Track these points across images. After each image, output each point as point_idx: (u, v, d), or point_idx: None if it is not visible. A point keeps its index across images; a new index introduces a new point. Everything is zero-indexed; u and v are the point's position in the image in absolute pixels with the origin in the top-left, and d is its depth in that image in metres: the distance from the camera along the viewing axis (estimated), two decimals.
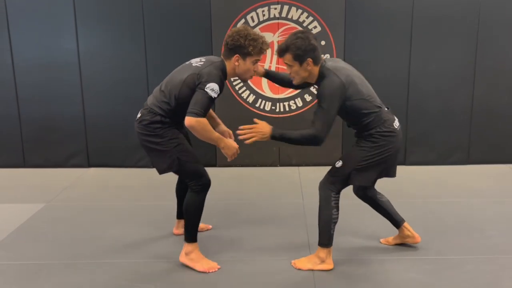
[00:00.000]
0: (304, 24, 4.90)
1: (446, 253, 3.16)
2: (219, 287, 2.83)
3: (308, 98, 5.04)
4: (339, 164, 2.87)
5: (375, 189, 3.15)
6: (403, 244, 3.25)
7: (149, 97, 3.06)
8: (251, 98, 5.06)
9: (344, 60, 4.92)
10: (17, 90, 5.12)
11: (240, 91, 5.05)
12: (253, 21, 4.91)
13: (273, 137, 2.74)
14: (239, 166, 5.14)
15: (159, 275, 2.97)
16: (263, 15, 4.90)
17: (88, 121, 5.18)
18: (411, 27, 4.94)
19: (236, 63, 2.88)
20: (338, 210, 2.89)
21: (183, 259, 3.03)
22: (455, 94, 5.08)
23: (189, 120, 2.72)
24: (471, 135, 5.17)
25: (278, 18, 4.92)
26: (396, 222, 3.17)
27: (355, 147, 2.88)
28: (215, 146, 5.16)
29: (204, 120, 2.75)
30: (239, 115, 4.96)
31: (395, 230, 3.25)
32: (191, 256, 3.00)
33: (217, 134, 2.88)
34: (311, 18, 4.90)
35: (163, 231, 3.60)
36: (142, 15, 4.93)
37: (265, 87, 5.04)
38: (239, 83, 5.03)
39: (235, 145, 2.91)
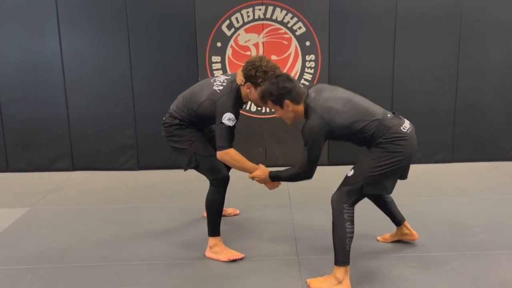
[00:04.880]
0: (289, 25, 4.92)
1: (431, 250, 3.19)
2: None
3: None
4: (350, 173, 2.76)
5: None
6: (392, 242, 3.28)
7: (174, 102, 3.27)
8: None
9: (329, 61, 5.00)
10: None
11: None
12: (237, 22, 4.91)
13: (271, 178, 2.93)
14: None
15: (145, 278, 2.95)
16: (248, 16, 4.91)
17: (72, 124, 5.13)
18: (394, 27, 4.98)
19: (248, 91, 2.99)
20: (352, 224, 2.70)
21: (208, 254, 3.16)
22: (438, 93, 5.14)
23: (220, 155, 2.97)
24: (455, 133, 5.23)
25: (262, 19, 4.92)
26: (398, 221, 3.18)
27: (367, 154, 2.76)
28: None
29: (231, 152, 2.95)
30: None
31: (387, 226, 3.27)
32: (215, 249, 3.14)
33: (250, 164, 3.00)
34: (295, 19, 4.92)
35: (149, 233, 3.58)
36: (126, 16, 4.90)
37: None
38: None
39: (264, 174, 2.96)
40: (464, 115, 5.19)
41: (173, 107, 3.23)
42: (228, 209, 3.85)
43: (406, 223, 3.21)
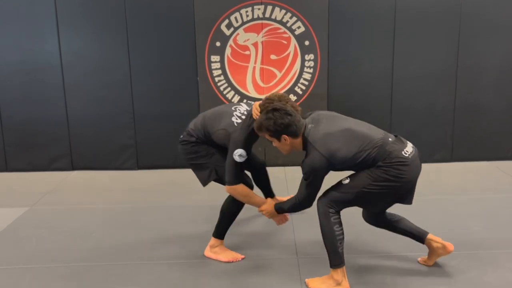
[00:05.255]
0: (288, 25, 4.91)
1: None
2: None
3: (292, 98, 5.04)
4: (346, 181, 2.69)
5: (385, 213, 2.95)
6: (392, 242, 3.27)
7: (193, 120, 3.27)
8: (236, 99, 5.05)
9: (328, 60, 5.00)
10: None
11: (224, 92, 5.04)
12: (237, 21, 4.91)
13: (276, 211, 2.93)
14: None
15: (144, 277, 2.94)
16: (247, 16, 4.90)
17: (71, 124, 5.12)
18: (393, 27, 4.98)
19: None
20: (340, 225, 2.68)
21: (207, 253, 3.19)
22: (438, 93, 5.14)
23: (228, 190, 3.01)
24: (454, 133, 5.23)
25: (262, 19, 4.92)
26: (419, 238, 2.94)
27: (367, 170, 2.66)
28: None
29: (238, 188, 2.97)
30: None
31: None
32: (215, 249, 3.17)
33: (258, 198, 3.03)
34: (294, 18, 4.91)
35: (148, 233, 3.58)
36: (125, 17, 4.89)
37: (250, 87, 5.04)
38: (222, 79, 5.02)
39: (270, 208, 2.97)
40: (463, 115, 5.19)
41: (191, 125, 3.22)
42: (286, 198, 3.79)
43: (430, 236, 2.93)
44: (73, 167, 5.23)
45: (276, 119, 2.61)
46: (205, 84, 5.03)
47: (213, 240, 3.18)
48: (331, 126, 2.67)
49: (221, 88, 5.04)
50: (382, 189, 2.63)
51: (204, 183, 3.21)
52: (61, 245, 3.41)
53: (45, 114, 5.10)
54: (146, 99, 5.09)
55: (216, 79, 5.03)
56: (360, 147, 2.60)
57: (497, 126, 5.23)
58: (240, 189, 2.98)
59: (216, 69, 5.01)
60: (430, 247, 2.94)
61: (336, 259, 2.69)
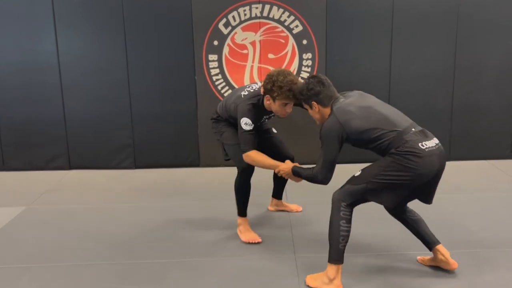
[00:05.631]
0: (286, 24, 4.91)
1: None
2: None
3: None
4: (357, 173, 2.73)
5: (406, 207, 2.95)
6: (391, 241, 3.27)
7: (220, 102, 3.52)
8: None
9: (326, 59, 4.99)
10: None
11: (222, 91, 5.04)
12: (234, 20, 4.90)
13: (293, 172, 2.98)
14: (222, 166, 5.12)
15: (142, 276, 2.94)
16: (245, 15, 4.90)
17: (68, 123, 5.11)
18: (391, 26, 4.98)
19: (267, 102, 3.11)
20: (348, 223, 2.67)
21: (238, 231, 3.46)
22: (435, 92, 5.14)
23: (243, 157, 3.15)
24: (452, 132, 5.23)
25: (259, 18, 4.91)
26: (428, 243, 2.91)
27: (378, 161, 2.70)
28: (197, 146, 5.16)
29: (251, 154, 3.11)
30: None
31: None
32: (240, 228, 3.44)
33: (270, 161, 3.12)
34: (292, 17, 4.91)
35: (146, 232, 3.57)
36: (123, 16, 4.88)
37: (246, 83, 5.01)
38: (219, 78, 5.01)
39: (288, 168, 3.03)
40: (461, 114, 5.19)
41: (219, 104, 3.47)
42: (291, 205, 3.96)
43: (439, 247, 2.88)
44: (70, 167, 5.21)
45: (309, 84, 2.78)
46: (203, 83, 5.03)
47: (237, 219, 3.47)
48: (357, 101, 2.75)
49: (219, 87, 5.04)
50: (392, 180, 2.61)
51: (224, 157, 3.45)
52: (58, 245, 3.39)
53: (43, 114, 5.08)
54: (143, 98, 5.08)
55: (214, 78, 5.02)
56: (377, 125, 2.64)
57: (495, 126, 5.23)
58: (253, 155, 3.11)
59: (214, 68, 5.00)
60: (435, 257, 2.92)
61: (334, 254, 2.69)
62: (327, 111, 2.77)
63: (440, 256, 2.88)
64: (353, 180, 2.74)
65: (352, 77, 5.04)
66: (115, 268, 3.04)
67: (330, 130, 2.67)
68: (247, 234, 3.38)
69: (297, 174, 2.96)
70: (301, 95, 2.84)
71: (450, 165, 5.10)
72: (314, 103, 2.78)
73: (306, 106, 2.87)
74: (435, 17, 4.96)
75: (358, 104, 2.72)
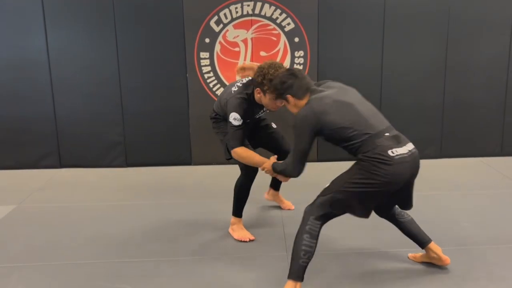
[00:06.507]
0: (278, 21, 4.90)
1: None
2: None
3: None
4: (327, 185, 2.63)
5: (394, 210, 2.89)
6: (381, 238, 3.28)
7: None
8: None
9: (318, 57, 4.99)
10: None
11: (214, 88, 5.02)
12: (226, 18, 4.89)
13: (273, 170, 2.92)
14: (214, 164, 5.11)
15: (134, 275, 2.92)
16: (236, 12, 4.88)
17: (59, 121, 5.07)
18: (383, 24, 4.99)
19: (258, 95, 3.08)
20: (313, 238, 2.52)
21: (230, 230, 3.48)
22: (427, 90, 5.16)
23: (231, 153, 3.14)
24: (443, 129, 5.26)
25: (251, 15, 4.90)
26: (421, 243, 2.90)
27: (347, 169, 2.61)
28: (189, 144, 5.14)
29: (238, 150, 3.09)
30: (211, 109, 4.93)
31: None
32: (233, 227, 3.45)
33: (258, 159, 3.08)
34: (284, 15, 4.90)
35: (137, 231, 3.56)
36: (113, 12, 4.85)
37: None
38: (211, 76, 5.00)
39: (270, 164, 2.99)
40: (452, 111, 5.22)
41: (215, 103, 3.45)
42: (286, 202, 3.95)
43: (432, 245, 2.88)
44: (61, 165, 5.18)
45: (282, 78, 2.74)
46: (195, 80, 5.01)
47: (231, 218, 3.47)
48: (337, 94, 2.64)
49: (211, 85, 5.02)
50: (358, 188, 2.50)
51: (225, 157, 3.36)
52: (50, 243, 3.37)
53: (33, 111, 5.04)
54: (135, 96, 5.06)
55: (206, 75, 5.00)
56: (351, 124, 2.51)
57: (485, 122, 5.26)
58: (239, 151, 3.09)
59: (206, 65, 4.98)
60: (427, 254, 2.92)
61: (294, 270, 2.55)
62: (303, 103, 2.67)
63: (432, 254, 2.89)
64: (323, 191, 2.63)
65: (343, 74, 5.02)
66: (107, 267, 3.03)
67: (304, 119, 2.57)
68: (239, 232, 3.39)
69: (274, 170, 2.90)
70: (276, 91, 2.78)
71: (441, 163, 5.18)
72: (288, 96, 2.71)
73: (284, 102, 2.80)
74: (426, 14, 4.97)
75: (337, 97, 2.61)
